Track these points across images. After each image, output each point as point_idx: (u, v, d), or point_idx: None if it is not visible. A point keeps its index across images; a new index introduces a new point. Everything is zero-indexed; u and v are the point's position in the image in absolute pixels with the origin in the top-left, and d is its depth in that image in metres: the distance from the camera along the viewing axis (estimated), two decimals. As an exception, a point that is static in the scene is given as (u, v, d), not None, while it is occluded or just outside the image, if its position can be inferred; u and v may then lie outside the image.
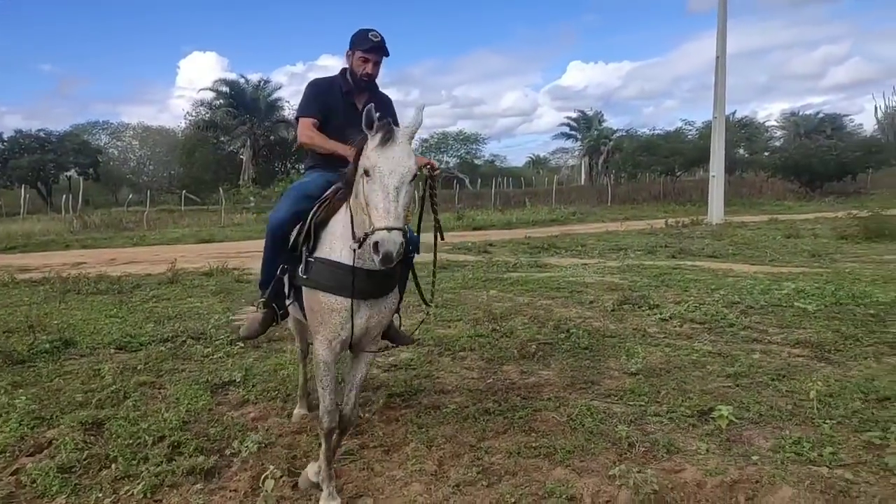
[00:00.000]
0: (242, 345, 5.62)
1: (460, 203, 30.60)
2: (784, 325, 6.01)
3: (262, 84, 42.63)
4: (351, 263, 2.73)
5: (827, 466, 3.16)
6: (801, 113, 51.22)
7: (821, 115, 49.01)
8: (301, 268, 2.91)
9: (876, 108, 41.20)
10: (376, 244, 2.37)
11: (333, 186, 3.07)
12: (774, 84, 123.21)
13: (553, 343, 5.59)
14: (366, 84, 3.48)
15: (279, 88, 43.30)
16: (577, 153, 57.35)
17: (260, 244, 3.50)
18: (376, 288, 2.84)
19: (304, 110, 3.48)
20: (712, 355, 5.15)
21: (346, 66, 3.50)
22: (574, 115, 54.91)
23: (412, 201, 2.68)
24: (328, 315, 2.82)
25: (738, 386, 4.39)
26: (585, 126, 53.46)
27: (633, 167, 41.31)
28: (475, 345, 5.58)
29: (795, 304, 6.72)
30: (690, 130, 38.17)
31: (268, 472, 3.07)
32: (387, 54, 3.46)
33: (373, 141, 2.56)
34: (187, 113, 44.05)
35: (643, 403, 4.12)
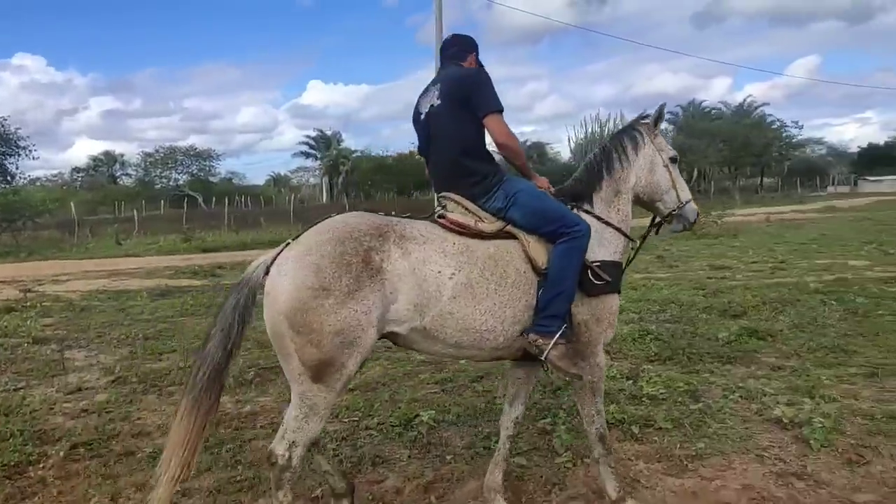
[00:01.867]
0: None
1: (189, 224, 28.45)
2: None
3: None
4: (619, 259, 3.00)
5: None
6: (513, 140, 57.89)
7: (528, 143, 56.15)
8: (591, 275, 2.77)
9: (569, 139, 48.70)
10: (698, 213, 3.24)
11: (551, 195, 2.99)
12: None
13: (274, 367, 5.43)
14: None
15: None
16: (317, 172, 57.50)
17: None
18: None
19: (501, 105, 2.88)
20: (426, 364, 5.48)
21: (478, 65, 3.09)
22: (313, 134, 55.05)
23: None
24: (615, 315, 2.97)
25: (443, 391, 4.74)
26: (325, 145, 53.94)
27: (368, 187, 43.00)
28: (187, 377, 5.15)
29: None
30: (421, 152, 40.74)
31: None
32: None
33: (660, 134, 3.21)
34: None
35: (357, 418, 4.21)
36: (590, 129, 48.89)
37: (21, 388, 5.03)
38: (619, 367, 5.09)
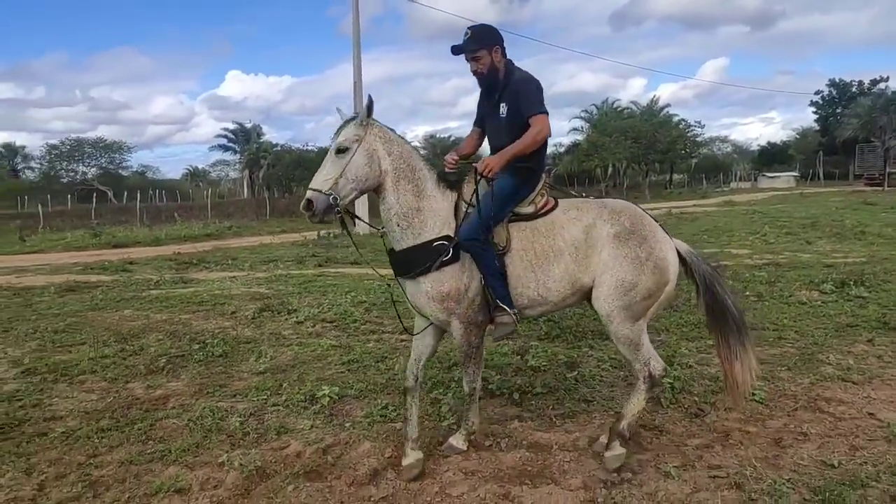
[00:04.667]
0: None
1: (98, 219, 27.35)
2: (396, 318, 7.06)
3: None
4: None
5: (401, 422, 3.96)
6: (438, 136, 58.51)
7: (453, 139, 56.70)
8: None
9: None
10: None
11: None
12: (418, 108, 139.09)
13: (186, 355, 5.64)
14: (480, 81, 3.55)
15: None
16: (237, 166, 56.07)
17: None
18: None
19: None
20: (335, 348, 5.83)
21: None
22: (232, 126, 53.62)
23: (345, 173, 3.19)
24: None
25: (348, 371, 5.10)
26: (244, 139, 52.67)
27: (290, 181, 42.51)
28: (97, 367, 5.31)
29: (408, 298, 7.94)
30: (343, 147, 40.54)
31: None
32: (465, 51, 3.45)
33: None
34: None
35: (265, 397, 4.52)
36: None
37: (-77, 382, 5.02)
38: (510, 346, 5.61)
